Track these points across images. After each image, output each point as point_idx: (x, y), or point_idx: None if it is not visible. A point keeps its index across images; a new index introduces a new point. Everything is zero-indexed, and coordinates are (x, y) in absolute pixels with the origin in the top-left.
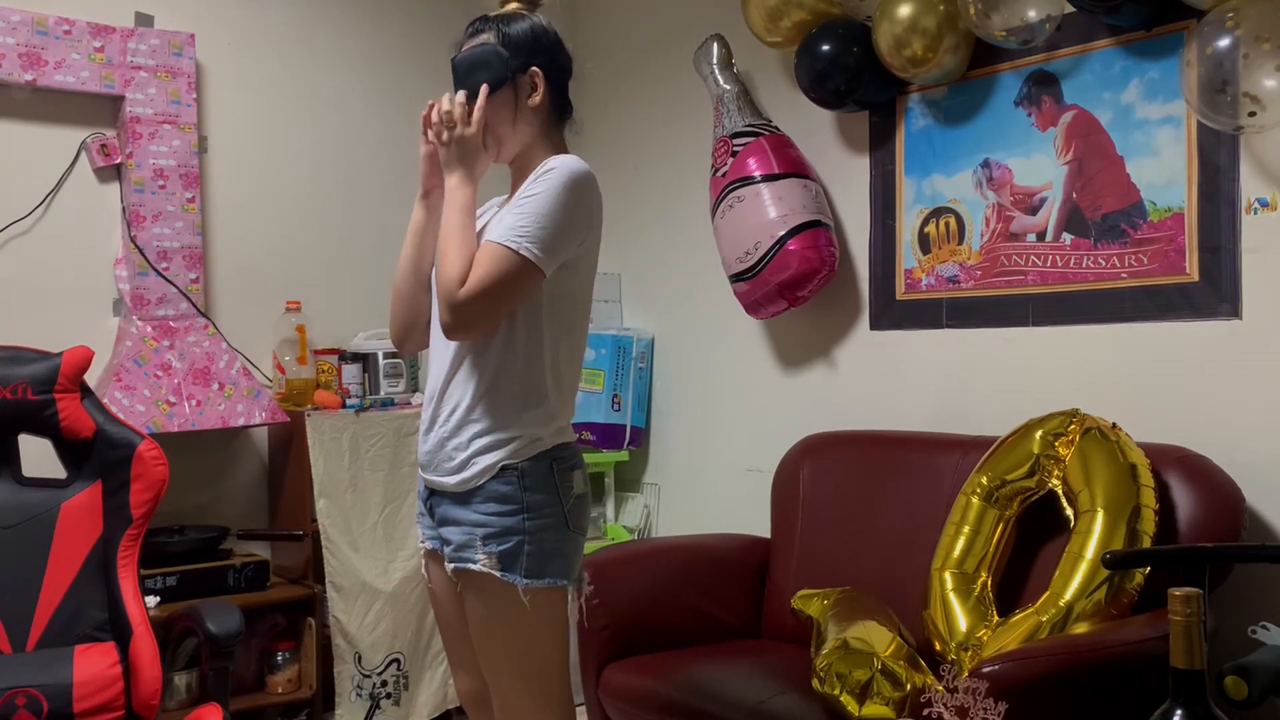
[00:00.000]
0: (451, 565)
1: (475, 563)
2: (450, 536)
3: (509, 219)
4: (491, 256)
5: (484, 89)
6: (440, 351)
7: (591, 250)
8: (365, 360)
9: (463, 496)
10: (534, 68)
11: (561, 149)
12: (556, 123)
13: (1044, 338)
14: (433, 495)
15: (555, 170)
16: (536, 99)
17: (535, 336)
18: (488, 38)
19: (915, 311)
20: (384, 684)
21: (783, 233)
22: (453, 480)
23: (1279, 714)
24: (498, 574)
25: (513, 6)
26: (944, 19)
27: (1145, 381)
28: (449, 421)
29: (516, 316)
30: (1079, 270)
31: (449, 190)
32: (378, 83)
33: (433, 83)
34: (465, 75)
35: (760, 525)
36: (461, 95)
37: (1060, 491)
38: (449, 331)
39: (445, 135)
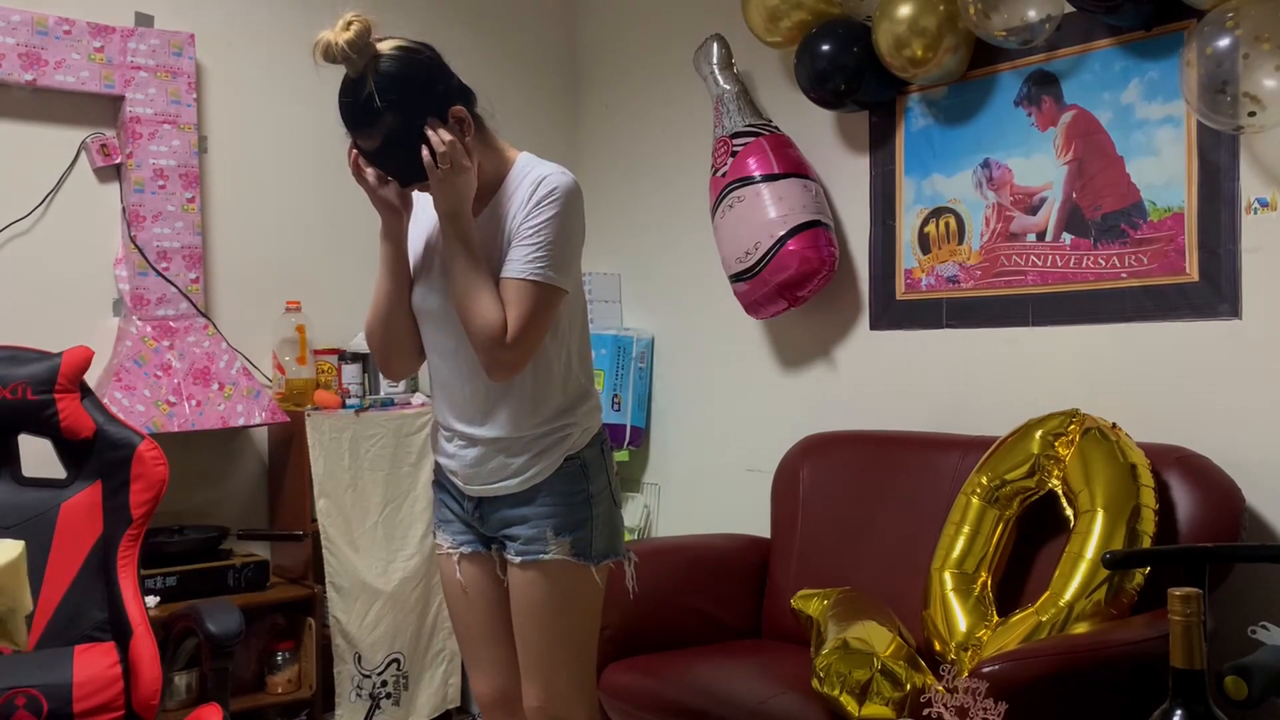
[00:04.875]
0: (520, 559)
1: (547, 553)
2: (517, 533)
3: (521, 251)
4: (521, 295)
5: (469, 121)
6: (463, 379)
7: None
8: (365, 360)
9: (525, 494)
10: (452, 107)
11: (499, 147)
12: (481, 125)
13: (1044, 338)
14: (482, 503)
15: (555, 191)
16: (470, 132)
17: (562, 341)
18: (390, 118)
19: (915, 311)
20: (384, 684)
21: (783, 233)
22: (513, 483)
23: (1279, 714)
24: (572, 559)
25: (348, 38)
26: (944, 19)
27: (1145, 381)
28: (501, 438)
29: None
30: (1079, 270)
31: (448, 227)
32: None
33: None
34: (406, 165)
35: (760, 525)
36: (445, 133)
37: (1060, 491)
38: (496, 374)
39: (443, 174)
